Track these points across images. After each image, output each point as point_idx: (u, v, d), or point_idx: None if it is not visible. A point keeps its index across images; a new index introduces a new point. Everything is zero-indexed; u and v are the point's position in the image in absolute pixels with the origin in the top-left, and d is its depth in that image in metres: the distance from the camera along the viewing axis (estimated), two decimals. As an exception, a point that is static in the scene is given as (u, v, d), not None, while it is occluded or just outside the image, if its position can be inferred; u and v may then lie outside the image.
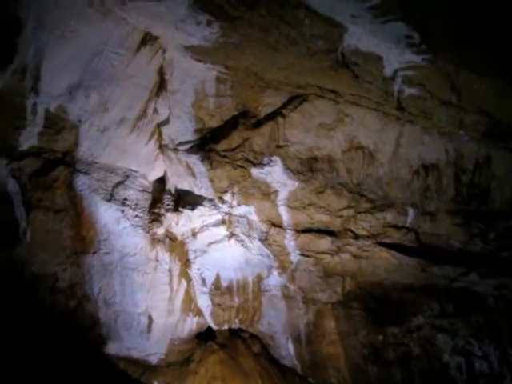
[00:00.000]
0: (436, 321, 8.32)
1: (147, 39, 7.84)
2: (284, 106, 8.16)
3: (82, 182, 8.47)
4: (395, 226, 8.42)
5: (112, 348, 9.10)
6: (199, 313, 9.71)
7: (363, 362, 8.81)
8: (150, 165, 8.96)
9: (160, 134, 8.78)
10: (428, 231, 8.32)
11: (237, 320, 9.72)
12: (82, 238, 8.53)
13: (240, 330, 10.06)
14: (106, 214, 8.60)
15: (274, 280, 9.24)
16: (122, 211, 8.73)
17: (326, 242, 8.67)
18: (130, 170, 8.85)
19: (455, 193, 8.07)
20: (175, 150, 8.72)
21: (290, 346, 9.66)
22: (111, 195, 8.69)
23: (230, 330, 10.02)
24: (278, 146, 8.32)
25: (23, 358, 7.52)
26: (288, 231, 8.79)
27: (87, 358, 8.13)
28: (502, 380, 7.48)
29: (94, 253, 8.68)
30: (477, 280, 7.97)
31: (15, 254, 8.06)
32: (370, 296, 8.65)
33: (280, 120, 8.18)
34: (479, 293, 8.05)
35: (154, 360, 9.54)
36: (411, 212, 8.34)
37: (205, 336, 10.02)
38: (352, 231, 8.55)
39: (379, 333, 8.65)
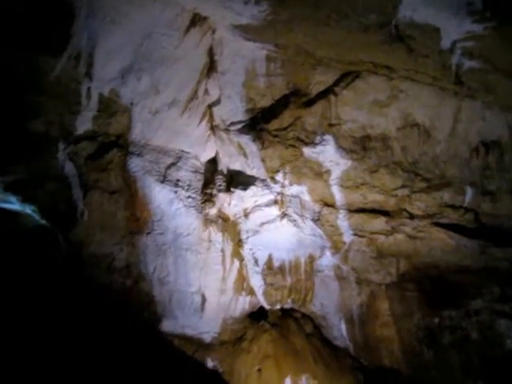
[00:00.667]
0: (497, 305, 8.57)
1: (196, 20, 8.41)
2: (336, 83, 8.53)
3: (135, 163, 9.27)
4: (452, 206, 8.69)
5: (167, 326, 10.00)
6: (252, 292, 10.40)
7: (418, 345, 9.23)
8: (201, 146, 9.68)
9: (211, 115, 9.40)
10: (488, 211, 8.55)
11: (289, 300, 10.39)
12: (137, 218, 9.38)
13: (292, 309, 10.76)
14: (160, 195, 9.39)
15: (327, 260, 9.80)
16: (175, 192, 9.49)
17: (380, 222, 9.06)
18: (182, 151, 9.63)
19: (519, 171, 7.63)
20: (226, 130, 9.27)
21: (343, 327, 10.22)
22: (164, 176, 9.45)
23: (282, 309, 10.73)
24: (330, 125, 8.72)
25: (83, 337, 8.34)
26: (341, 211, 9.24)
27: (144, 335, 8.87)
28: None
29: (149, 233, 9.54)
30: (542, 263, 7.64)
31: (73, 234, 9.12)
32: (426, 277, 9.03)
33: (332, 98, 8.56)
34: (546, 276, 7.78)
35: (207, 338, 10.34)
36: (470, 191, 8.59)
37: (257, 315, 10.76)
38: (407, 211, 8.90)
39: (435, 315, 9.02)
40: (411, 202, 8.85)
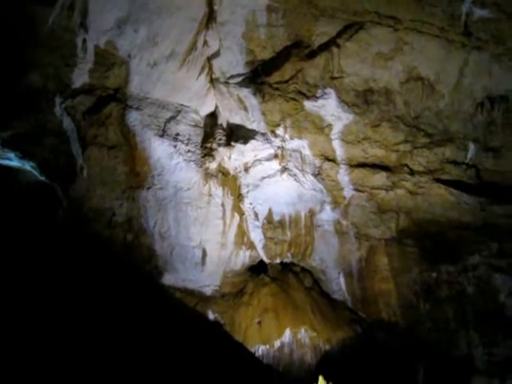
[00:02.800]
0: (494, 260, 8.93)
1: (194, -33, 7.75)
2: (339, 35, 8.46)
3: (134, 117, 9.40)
4: (454, 162, 8.89)
5: (168, 279, 10.47)
6: (252, 246, 10.77)
7: (415, 299, 9.69)
8: (201, 99, 9.77)
9: (210, 68, 9.38)
10: (490, 168, 8.75)
11: (289, 254, 10.78)
12: (137, 173, 9.66)
13: (292, 264, 11.21)
14: (159, 150, 9.61)
15: (327, 215, 10.11)
16: (175, 146, 9.72)
17: (380, 177, 9.28)
18: (182, 105, 9.73)
19: (524, 127, 7.76)
20: (226, 83, 9.28)
21: (342, 281, 10.69)
22: (163, 131, 9.64)
23: (282, 263, 11.19)
24: (333, 78, 8.70)
25: (85, 290, 8.62)
26: (342, 166, 9.45)
27: (145, 288, 9.27)
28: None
29: (149, 188, 9.85)
30: (542, 220, 7.92)
31: (73, 189, 9.44)
32: (425, 233, 9.35)
33: (334, 50, 8.53)
34: (544, 233, 8.09)
35: (208, 291, 10.85)
36: (472, 147, 8.74)
37: (257, 269, 11.23)
38: (408, 166, 9.12)
39: (433, 270, 9.43)
40: (412, 158, 9.02)
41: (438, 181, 8.91)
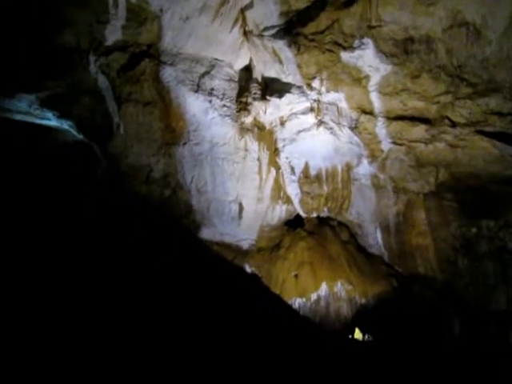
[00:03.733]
0: (537, 215, 8.25)
1: None
2: (377, -20, 7.66)
3: (168, 73, 9.48)
4: (499, 113, 8.57)
5: (206, 233, 10.80)
6: (288, 201, 10.99)
7: (453, 254, 9.71)
8: (235, 53, 9.73)
9: (244, 20, 9.29)
10: (538, 119, 7.90)
11: (325, 208, 10.93)
12: (172, 129, 9.81)
13: (328, 218, 11.37)
14: (194, 105, 9.71)
15: (364, 169, 10.16)
16: (210, 101, 9.78)
17: (419, 130, 9.13)
18: (215, 59, 9.73)
19: None
20: (260, 35, 9.19)
21: (378, 235, 10.79)
22: (198, 86, 9.70)
23: (318, 218, 11.39)
24: (370, 27, 8.44)
25: (124, 246, 8.79)
26: (379, 118, 9.31)
27: (184, 242, 9.64)
28: None
29: (185, 144, 10.05)
30: None
31: (111, 147, 9.69)
32: (465, 188, 9.27)
33: (372, -3, 7.71)
34: None
35: (245, 245, 11.18)
36: (519, 97, 7.80)
37: (294, 223, 11.44)
38: (449, 118, 8.87)
39: (473, 225, 9.38)
40: (454, 109, 8.78)
41: (481, 133, 8.66)
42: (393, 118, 9.17)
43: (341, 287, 10.69)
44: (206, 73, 9.66)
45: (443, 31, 8.16)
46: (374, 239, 10.80)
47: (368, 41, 8.50)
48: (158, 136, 9.78)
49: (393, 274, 10.53)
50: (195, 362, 5.25)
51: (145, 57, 9.16)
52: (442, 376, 7.20)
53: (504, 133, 8.57)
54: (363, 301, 10.48)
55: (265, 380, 5.49)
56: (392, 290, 10.33)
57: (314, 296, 10.74)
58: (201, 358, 5.40)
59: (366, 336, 9.67)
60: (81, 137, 9.32)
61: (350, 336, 9.91)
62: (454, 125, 8.80)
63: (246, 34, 9.34)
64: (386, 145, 9.54)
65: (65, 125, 9.13)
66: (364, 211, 10.60)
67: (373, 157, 9.81)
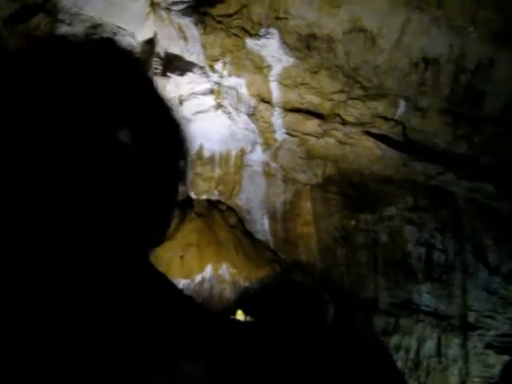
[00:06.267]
0: (407, 213, 10.23)
1: None
2: (288, -27, 8.07)
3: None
4: (384, 118, 9.63)
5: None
6: (180, 181, 10.53)
7: (333, 244, 10.81)
8: (139, 23, 9.68)
9: (152, -10, 8.69)
10: (416, 127, 9.59)
11: (216, 191, 11.44)
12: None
13: (218, 201, 11.82)
14: (92, 71, 8.86)
15: (257, 156, 10.77)
16: (109, 70, 8.98)
17: (313, 124, 9.90)
18: (118, 27, 9.59)
19: (450, 92, 9.18)
20: (168, 9, 9.27)
21: (266, 222, 11.52)
22: (97, 52, 8.85)
23: (208, 200, 11.76)
24: (278, 18, 8.94)
25: None
26: (277, 108, 9.92)
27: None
28: (454, 270, 9.60)
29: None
30: (453, 180, 9.59)
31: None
32: (349, 183, 10.34)
33: (282, -11, 8.09)
34: (452, 193, 9.88)
35: (132, 222, 10.66)
36: (403, 105, 9.49)
37: (183, 204, 11.64)
38: (341, 116, 9.73)
39: (352, 218, 10.51)
40: (346, 108, 9.61)
41: (368, 134, 9.65)
42: (289, 109, 9.79)
43: (225, 270, 11.16)
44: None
45: (344, 34, 8.91)
46: (261, 225, 11.48)
47: (274, 31, 8.97)
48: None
49: (277, 260, 11.29)
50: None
51: (39, 11, 8.71)
52: (317, 356, 8.12)
53: (387, 136, 9.70)
54: (247, 284, 11.11)
55: (142, 356, 5.82)
56: (275, 276, 11.09)
57: (198, 277, 11.17)
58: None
59: (248, 318, 10.35)
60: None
61: (232, 317, 10.51)
62: (344, 123, 9.66)
63: (153, 5, 9.33)
64: (280, 135, 10.21)
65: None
66: (253, 197, 11.18)
67: (267, 145, 10.41)
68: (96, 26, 9.40)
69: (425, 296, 10.09)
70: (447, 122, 9.34)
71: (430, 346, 10.01)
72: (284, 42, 9.04)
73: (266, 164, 10.71)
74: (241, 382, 6.78)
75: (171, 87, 10.01)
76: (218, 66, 9.55)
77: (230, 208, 11.79)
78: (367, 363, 9.20)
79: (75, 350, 5.13)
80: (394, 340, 10.14)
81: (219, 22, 9.08)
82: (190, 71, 9.81)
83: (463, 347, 9.51)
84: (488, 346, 9.81)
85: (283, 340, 8.61)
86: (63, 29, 9.09)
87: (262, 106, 9.88)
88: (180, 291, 10.03)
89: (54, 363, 4.81)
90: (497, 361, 9.74)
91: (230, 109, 10.10)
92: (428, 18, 8.53)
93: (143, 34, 9.88)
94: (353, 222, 10.44)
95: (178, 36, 9.57)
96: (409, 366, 9.66)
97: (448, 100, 9.21)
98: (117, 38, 9.62)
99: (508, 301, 9.30)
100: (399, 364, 9.57)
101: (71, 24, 9.14)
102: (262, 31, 9.01)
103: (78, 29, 9.22)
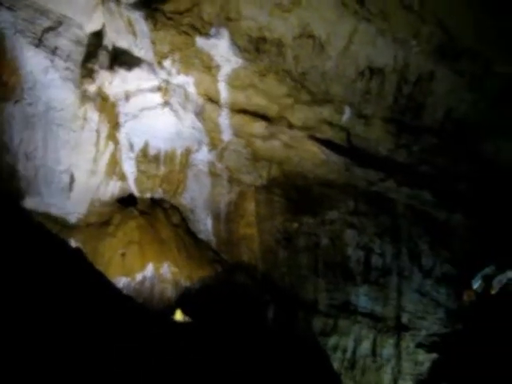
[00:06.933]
0: (348, 217, 10.52)
1: None
2: (241, -25, 8.15)
3: (4, 18, 8.79)
4: (330, 123, 9.92)
5: (31, 202, 10.28)
6: (123, 178, 11.04)
7: (275, 246, 10.91)
8: (87, 14, 9.43)
9: (101, -19, 8.55)
10: (360, 134, 9.98)
11: (160, 190, 11.30)
12: (3, 83, 9.16)
13: (162, 200, 11.70)
14: (33, 61, 9.24)
15: (203, 155, 10.76)
16: (52, 61, 9.37)
17: (260, 126, 10.03)
18: (65, 16, 9.31)
19: (393, 101, 9.64)
20: (117, 1, 9.06)
21: (209, 222, 11.47)
22: (40, 41, 9.18)
23: (152, 199, 11.64)
24: (229, 19, 8.99)
25: None
26: (224, 109, 9.96)
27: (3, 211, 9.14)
28: (390, 273, 10.01)
29: (17, 102, 9.46)
30: (393, 187, 10.04)
31: None
32: (293, 186, 10.53)
33: (234, -10, 8.19)
34: (392, 199, 10.32)
35: (72, 219, 10.93)
36: (348, 112, 9.83)
37: (126, 202, 11.50)
38: (287, 120, 9.92)
39: (295, 221, 10.70)
40: (293, 112, 9.82)
41: (313, 138, 9.90)
42: (237, 110, 9.85)
43: (167, 269, 11.07)
44: (52, 28, 9.17)
45: (293, 39, 9.10)
46: (205, 225, 11.44)
47: (224, 32, 9.01)
48: (-15, 87, 8.41)
49: (219, 260, 11.28)
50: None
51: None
52: (256, 356, 8.26)
53: (331, 141, 9.98)
54: (188, 284, 11.05)
55: (88, 360, 5.78)
56: (216, 276, 11.08)
57: (139, 276, 10.97)
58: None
59: (187, 318, 10.37)
60: None
61: (172, 317, 10.50)
62: (291, 126, 9.86)
63: (103, -4, 8.55)
64: (227, 136, 10.24)
65: None
66: (198, 197, 11.15)
67: (213, 145, 10.42)
68: (41, 13, 9.12)
69: (362, 298, 10.33)
70: (390, 130, 9.73)
71: (366, 346, 10.27)
72: (234, 43, 9.10)
73: (212, 164, 10.72)
74: None
75: (118, 82, 9.78)
76: (167, 63, 9.44)
77: (173, 207, 11.68)
78: (306, 363, 9.43)
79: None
80: (332, 340, 10.34)
81: (170, 19, 8.99)
82: (138, 67, 9.65)
83: (397, 347, 9.85)
84: (419, 345, 10.26)
85: (223, 340, 8.67)
86: (2, 13, 8.79)
87: (210, 106, 9.89)
88: (120, 290, 9.85)
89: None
90: (426, 358, 10.23)
91: (177, 107, 10.01)
92: (374, 29, 8.85)
93: (91, 26, 9.64)
94: (295, 225, 10.62)
95: (126, 30, 9.39)
96: (345, 366, 9.96)
97: (391, 109, 9.58)
98: (62, 27, 9.29)
99: (439, 302, 9.73)
100: (336, 364, 9.77)
101: (12, 8, 8.85)
102: (213, 31, 9.03)
103: (20, 13, 8.84)
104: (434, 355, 9.95)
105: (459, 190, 9.48)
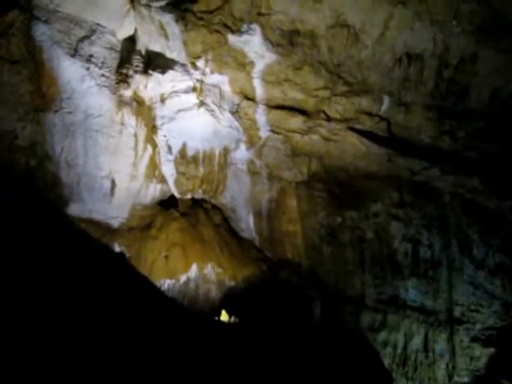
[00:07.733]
0: (393, 209, 10.21)
1: None
2: (270, -31, 8.04)
3: (41, 31, 9.02)
4: (369, 113, 9.67)
5: (74, 209, 10.54)
6: (163, 180, 11.16)
7: (319, 242, 10.80)
8: (119, 21, 9.54)
9: (131, -14, 8.64)
10: (400, 123, 9.67)
11: (200, 190, 11.36)
12: (43, 94, 9.39)
13: (203, 200, 11.76)
14: (70, 70, 9.43)
15: (241, 154, 10.72)
16: (88, 69, 9.55)
17: (297, 121, 9.88)
18: (97, 24, 9.46)
19: (434, 87, 9.26)
20: (148, 6, 9.15)
21: (251, 220, 11.49)
22: (75, 50, 9.39)
23: (192, 199, 11.71)
24: (260, 14, 8.88)
25: None
26: (260, 106, 9.85)
27: (49, 218, 9.38)
28: (440, 266, 9.70)
29: (56, 111, 9.68)
30: (438, 175, 9.69)
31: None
32: (334, 179, 10.33)
33: (264, -16, 8.08)
34: (438, 188, 9.92)
35: (115, 223, 11.10)
36: (387, 100, 9.54)
37: (167, 204, 11.62)
38: (325, 113, 9.74)
39: (338, 215, 10.50)
40: (330, 105, 9.65)
41: (352, 130, 9.65)
42: (273, 106, 9.74)
43: (211, 269, 11.11)
44: (86, 37, 9.36)
45: (327, 29, 8.89)
46: (247, 224, 11.43)
47: (256, 27, 8.91)
48: (26, 100, 9.25)
49: (262, 258, 11.25)
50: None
51: (14, 7, 8.59)
52: (304, 354, 8.16)
53: (371, 132, 9.72)
54: (232, 283, 11.06)
55: (135, 362, 5.82)
56: (261, 274, 11.02)
57: (183, 277, 11.07)
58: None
59: (233, 318, 10.36)
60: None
61: (217, 318, 10.52)
62: (329, 119, 9.65)
63: (134, 2, 9.21)
64: (264, 132, 10.13)
65: None
66: (238, 196, 11.14)
67: (251, 143, 10.34)
68: (75, 23, 9.34)
69: (411, 292, 10.11)
70: (431, 117, 9.41)
71: (417, 341, 10.06)
72: (266, 38, 9.00)
73: (251, 162, 10.68)
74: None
75: (152, 85, 9.89)
76: (200, 63, 9.45)
77: (214, 207, 11.74)
78: (355, 360, 9.27)
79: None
80: (381, 336, 10.17)
81: (200, 19, 9.00)
82: (172, 69, 9.70)
83: (450, 341, 9.51)
84: (474, 339, 9.89)
85: (270, 339, 8.60)
86: (40, 26, 8.98)
87: (246, 104, 9.82)
88: (164, 293, 9.93)
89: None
90: (482, 353, 9.84)
91: (213, 106, 10.02)
92: (411, 13, 8.53)
93: (124, 31, 9.76)
94: (338, 220, 10.47)
95: (158, 33, 9.47)
96: (396, 362, 9.74)
97: (432, 95, 9.25)
98: (96, 35, 9.47)
99: (493, 295, 9.33)
100: (387, 360, 9.55)
101: (48, 21, 9.07)
102: (244, 27, 8.95)
103: (56, 26, 9.07)
104: (491, 350, 9.43)
105: (509, 175, 8.95)
